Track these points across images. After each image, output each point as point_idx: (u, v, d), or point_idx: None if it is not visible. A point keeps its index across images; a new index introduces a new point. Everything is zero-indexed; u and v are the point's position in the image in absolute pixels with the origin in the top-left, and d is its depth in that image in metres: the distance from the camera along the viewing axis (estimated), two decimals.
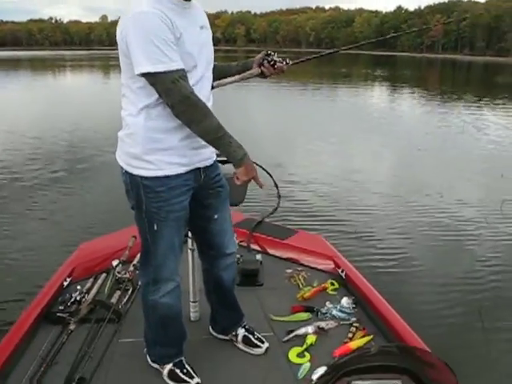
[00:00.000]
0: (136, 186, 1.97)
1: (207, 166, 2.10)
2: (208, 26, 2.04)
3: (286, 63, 2.31)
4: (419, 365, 1.54)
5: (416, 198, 6.60)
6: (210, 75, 2.04)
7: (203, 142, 1.92)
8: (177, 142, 1.93)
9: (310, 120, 13.64)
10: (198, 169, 2.05)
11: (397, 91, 24.29)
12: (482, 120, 13.96)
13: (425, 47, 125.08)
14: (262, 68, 2.27)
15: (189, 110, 1.81)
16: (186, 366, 2.23)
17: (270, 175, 2.51)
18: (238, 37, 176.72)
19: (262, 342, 2.44)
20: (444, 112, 15.70)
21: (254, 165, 1.96)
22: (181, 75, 1.77)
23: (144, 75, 1.77)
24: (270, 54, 2.28)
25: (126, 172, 1.99)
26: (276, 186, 2.56)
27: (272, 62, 2.26)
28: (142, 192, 1.96)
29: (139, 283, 3.03)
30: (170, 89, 1.77)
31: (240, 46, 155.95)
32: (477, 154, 9.57)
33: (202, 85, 1.95)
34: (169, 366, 2.23)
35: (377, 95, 22.11)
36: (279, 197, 2.50)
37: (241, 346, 2.46)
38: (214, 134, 1.84)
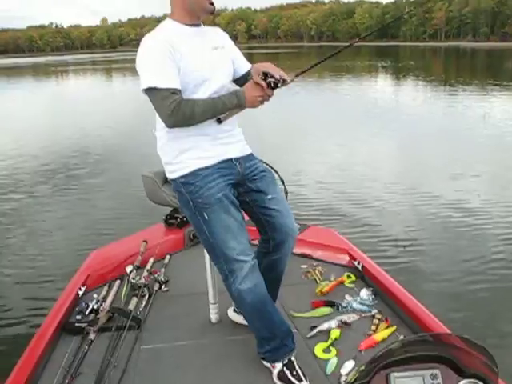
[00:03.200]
0: (178, 187, 2.19)
1: (240, 157, 2.25)
2: (225, 45, 2.25)
3: (283, 81, 2.06)
4: (456, 352, 1.51)
5: (437, 190, 6.39)
6: (225, 89, 2.18)
7: (227, 139, 2.19)
8: (198, 143, 2.15)
9: (314, 113, 13.55)
10: (230, 159, 2.20)
11: (403, 82, 23.99)
12: (499, 107, 13.65)
13: (428, 36, 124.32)
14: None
15: (177, 122, 2.03)
16: (297, 367, 2.20)
17: (276, 171, 2.49)
18: (239, 33, 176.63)
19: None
20: (458, 100, 15.39)
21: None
22: (174, 92, 1.99)
23: (145, 92, 2.03)
24: (267, 75, 2.06)
25: (171, 180, 2.24)
26: (282, 182, 2.54)
27: (272, 85, 2.06)
28: (184, 190, 2.17)
29: (155, 288, 3.06)
30: (160, 104, 2.00)
31: (242, 43, 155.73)
32: (505, 143, 9.11)
33: None
34: (279, 366, 2.21)
35: (382, 86, 21.88)
36: (287, 193, 2.49)
37: None
38: (209, 115, 2.07)
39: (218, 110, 2.07)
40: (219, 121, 2.10)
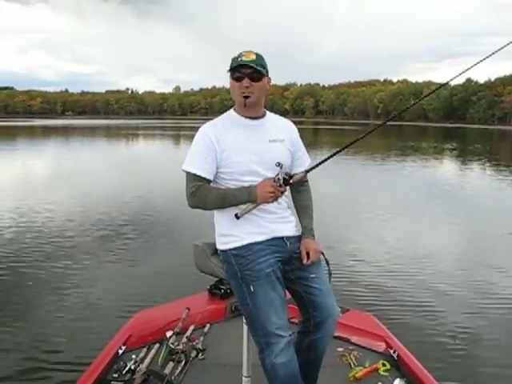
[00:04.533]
0: (228, 258, 2.38)
1: (291, 236, 2.43)
2: (285, 139, 2.43)
3: (292, 177, 2.33)
4: None
5: (497, 288, 6.08)
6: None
7: (280, 219, 2.40)
8: (253, 218, 2.35)
9: (375, 192, 13.53)
10: (282, 237, 2.38)
11: (469, 165, 23.44)
12: None
13: (496, 119, 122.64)
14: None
15: (194, 204, 2.33)
16: None
17: (322, 253, 2.54)
18: (306, 108, 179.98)
19: None
20: None
21: None
22: (198, 179, 2.31)
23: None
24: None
25: (221, 251, 2.40)
26: (327, 263, 2.58)
27: (283, 182, 2.29)
28: (234, 261, 2.35)
29: (192, 355, 3.14)
30: (186, 185, 2.34)
31: (308, 118, 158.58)
32: None
33: None
34: None
35: (447, 169, 21.55)
36: (330, 274, 2.52)
37: None
38: (220, 205, 2.31)
39: (227, 201, 2.28)
40: (236, 216, 2.28)
